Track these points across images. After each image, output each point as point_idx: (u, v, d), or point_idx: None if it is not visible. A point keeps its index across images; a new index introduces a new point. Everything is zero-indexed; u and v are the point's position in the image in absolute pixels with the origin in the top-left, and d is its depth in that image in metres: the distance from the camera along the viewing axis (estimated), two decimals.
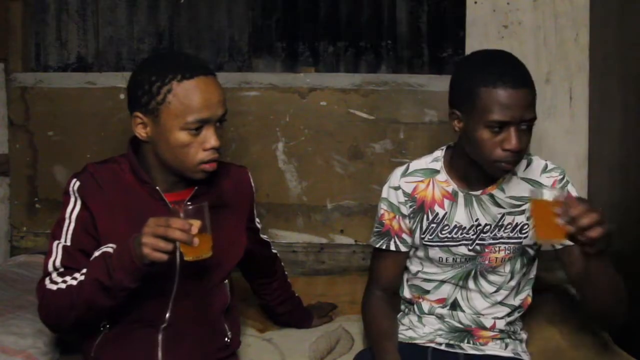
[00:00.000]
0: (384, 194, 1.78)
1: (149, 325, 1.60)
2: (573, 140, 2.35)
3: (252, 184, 1.79)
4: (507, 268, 1.73)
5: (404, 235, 1.78)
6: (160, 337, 1.60)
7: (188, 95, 1.48)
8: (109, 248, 1.49)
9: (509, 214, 1.70)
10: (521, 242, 1.71)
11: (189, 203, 1.48)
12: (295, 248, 2.40)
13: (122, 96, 2.40)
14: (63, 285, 1.49)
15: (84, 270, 1.48)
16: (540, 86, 2.31)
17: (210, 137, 1.51)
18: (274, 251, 1.96)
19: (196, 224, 1.40)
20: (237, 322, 1.79)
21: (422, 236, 1.74)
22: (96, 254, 1.50)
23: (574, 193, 1.71)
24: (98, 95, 2.42)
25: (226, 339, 1.71)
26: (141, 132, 1.54)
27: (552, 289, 2.16)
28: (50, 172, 2.46)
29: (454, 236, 1.71)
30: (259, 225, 1.86)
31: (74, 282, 1.48)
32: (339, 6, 2.53)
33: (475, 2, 2.36)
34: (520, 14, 2.35)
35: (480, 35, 2.37)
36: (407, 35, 2.51)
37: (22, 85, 2.46)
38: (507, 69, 1.56)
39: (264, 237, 1.90)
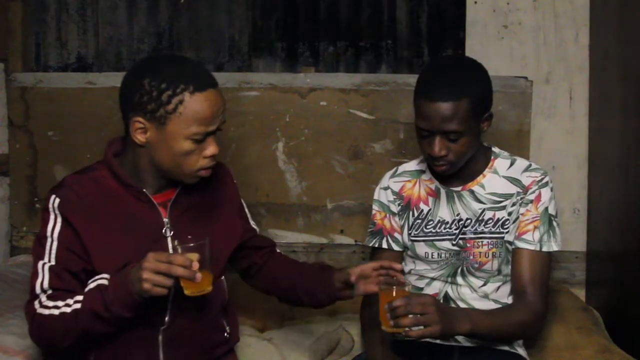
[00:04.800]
0: (375, 196, 1.91)
1: (148, 327, 1.60)
2: (573, 140, 2.35)
3: (234, 179, 1.80)
4: (494, 264, 1.77)
5: (396, 235, 1.86)
6: (160, 337, 1.61)
7: (199, 108, 1.50)
8: (103, 280, 1.48)
9: (490, 209, 1.77)
10: (503, 237, 1.76)
11: (189, 237, 1.48)
12: (295, 248, 2.40)
13: None
14: (56, 312, 1.48)
15: (78, 298, 1.48)
16: (540, 86, 2.34)
17: (210, 145, 1.54)
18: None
19: (197, 260, 1.41)
20: (235, 317, 1.80)
21: (409, 232, 1.82)
22: (91, 285, 1.49)
23: (548, 197, 1.77)
24: (98, 95, 2.42)
25: (225, 334, 1.72)
26: (140, 137, 1.53)
27: (550, 288, 2.16)
28: (50, 172, 2.46)
29: (438, 231, 1.79)
30: (254, 226, 1.86)
31: (68, 310, 1.47)
32: (339, 6, 2.52)
33: (475, 2, 2.36)
34: (520, 14, 2.35)
35: (480, 35, 2.37)
36: (407, 35, 2.51)
37: (22, 85, 2.46)
38: (434, 81, 1.65)
39: (253, 224, 1.87)
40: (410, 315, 1.45)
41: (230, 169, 1.82)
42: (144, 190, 1.58)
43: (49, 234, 1.54)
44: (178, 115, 1.49)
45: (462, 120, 1.62)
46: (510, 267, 1.78)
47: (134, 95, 1.51)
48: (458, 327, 1.56)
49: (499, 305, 1.79)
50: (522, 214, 1.76)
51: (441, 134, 1.64)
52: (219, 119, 1.54)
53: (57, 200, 1.55)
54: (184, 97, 1.49)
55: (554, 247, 1.76)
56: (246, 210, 1.84)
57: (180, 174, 1.56)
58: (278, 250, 1.88)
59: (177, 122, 1.49)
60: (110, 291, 1.44)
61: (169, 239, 1.59)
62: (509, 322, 1.68)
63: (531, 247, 1.74)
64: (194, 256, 1.42)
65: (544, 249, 1.74)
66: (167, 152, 1.52)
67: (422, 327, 1.47)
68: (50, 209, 1.55)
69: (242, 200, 1.83)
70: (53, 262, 1.53)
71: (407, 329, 1.46)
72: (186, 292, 1.45)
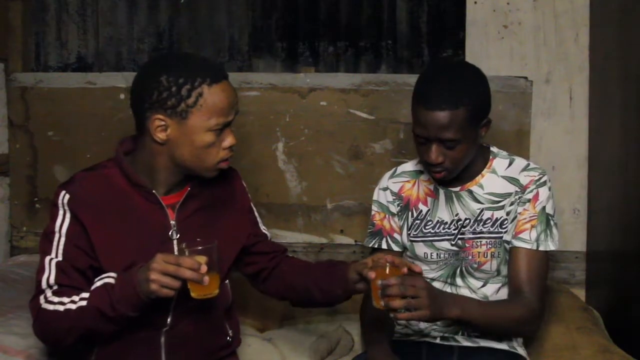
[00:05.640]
0: (375, 197, 1.91)
1: (150, 329, 1.59)
2: (573, 140, 2.35)
3: (243, 182, 1.81)
4: (493, 264, 1.76)
5: (395, 235, 1.86)
6: (163, 339, 1.61)
7: (217, 99, 1.53)
8: (110, 278, 1.48)
9: (488, 209, 1.77)
10: (502, 237, 1.76)
11: (198, 239, 1.48)
12: (295, 248, 2.40)
13: (122, 96, 2.40)
14: (61, 308, 1.48)
15: (84, 295, 1.47)
16: (540, 86, 2.34)
17: (228, 136, 1.58)
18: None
19: (205, 263, 1.41)
20: (237, 320, 1.80)
21: (408, 232, 1.83)
22: (97, 283, 1.48)
23: (545, 196, 1.76)
24: (98, 95, 2.42)
25: (228, 338, 1.72)
26: (161, 134, 1.53)
27: (549, 288, 2.16)
28: (50, 172, 2.46)
29: (437, 231, 1.79)
30: (265, 231, 1.85)
31: (73, 307, 1.47)
32: (339, 6, 2.52)
33: (475, 2, 2.36)
34: (520, 14, 2.35)
35: (480, 35, 2.37)
36: (407, 35, 2.51)
37: (22, 85, 2.46)
38: (431, 89, 1.64)
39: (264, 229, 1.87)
40: (402, 298, 1.46)
41: (239, 173, 1.82)
42: (153, 191, 1.58)
43: (57, 229, 1.54)
44: (199, 107, 1.51)
45: (459, 129, 1.62)
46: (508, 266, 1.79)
47: (151, 93, 1.51)
48: (447, 312, 1.56)
49: None
50: (519, 213, 1.75)
51: (438, 142, 1.64)
52: (234, 109, 1.58)
53: (67, 196, 1.55)
54: (203, 89, 1.51)
55: (551, 247, 1.75)
56: (256, 214, 1.83)
57: (202, 168, 1.57)
58: (290, 255, 1.86)
59: (198, 114, 1.52)
60: (116, 290, 1.44)
61: (175, 242, 1.59)
62: (504, 315, 1.68)
63: (528, 246, 1.74)
64: (202, 259, 1.41)
65: (541, 248, 1.74)
66: (189, 147, 1.54)
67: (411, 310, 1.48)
68: (59, 205, 1.56)
69: (252, 205, 1.83)
70: (60, 258, 1.53)
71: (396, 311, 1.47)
72: (192, 294, 1.45)
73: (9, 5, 2.50)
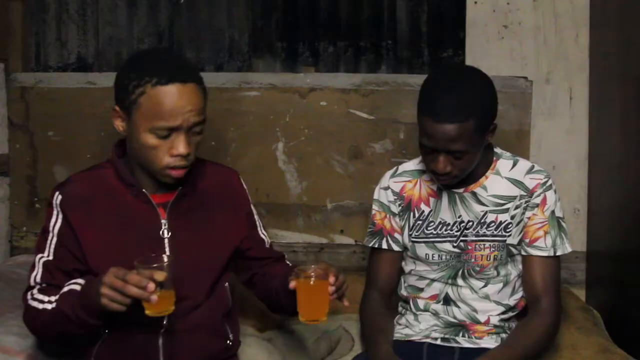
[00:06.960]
0: (375, 196, 1.89)
1: (148, 330, 1.59)
2: (573, 141, 2.36)
3: (244, 186, 1.78)
4: (495, 266, 1.76)
5: (396, 235, 1.85)
6: (160, 341, 1.60)
7: (159, 100, 1.48)
8: (76, 285, 1.49)
9: (492, 211, 1.75)
10: (505, 240, 1.75)
11: (153, 255, 1.43)
12: (295, 248, 2.40)
13: None
14: (40, 306, 1.51)
15: (57, 297, 1.50)
16: (540, 86, 2.34)
17: (178, 144, 1.50)
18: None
19: (159, 277, 1.35)
20: (237, 324, 1.79)
21: (410, 233, 1.81)
22: (65, 288, 1.50)
23: (553, 200, 1.76)
24: (98, 95, 2.42)
25: (228, 342, 1.70)
26: (119, 125, 1.56)
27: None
28: (50, 172, 2.46)
29: (439, 232, 1.78)
30: (263, 236, 1.82)
31: (49, 307, 1.49)
32: (339, 6, 2.52)
33: (475, 2, 2.36)
34: (520, 14, 2.35)
35: (480, 35, 2.37)
36: (407, 35, 2.51)
37: (22, 85, 2.46)
38: (439, 101, 1.61)
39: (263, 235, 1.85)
40: None
41: (239, 176, 1.79)
42: (143, 190, 1.59)
43: (50, 228, 1.58)
44: (139, 106, 1.50)
45: (467, 140, 1.60)
46: (507, 267, 1.78)
47: (115, 85, 1.57)
48: None
49: (501, 308, 1.79)
50: (528, 218, 1.75)
51: (446, 153, 1.62)
52: (183, 117, 1.48)
53: (60, 197, 1.59)
54: (146, 88, 1.49)
55: (568, 249, 1.76)
56: (256, 217, 1.80)
57: (151, 169, 1.55)
58: (287, 262, 1.82)
59: (138, 113, 1.50)
60: (80, 297, 1.45)
61: (167, 241, 1.59)
62: (530, 341, 1.69)
63: (544, 254, 1.74)
64: (161, 275, 1.35)
65: (558, 252, 1.74)
66: (135, 144, 1.54)
67: None
68: (53, 205, 1.59)
69: (253, 208, 1.80)
70: (50, 257, 1.56)
71: None
72: (146, 311, 1.40)
73: (9, 5, 2.49)
